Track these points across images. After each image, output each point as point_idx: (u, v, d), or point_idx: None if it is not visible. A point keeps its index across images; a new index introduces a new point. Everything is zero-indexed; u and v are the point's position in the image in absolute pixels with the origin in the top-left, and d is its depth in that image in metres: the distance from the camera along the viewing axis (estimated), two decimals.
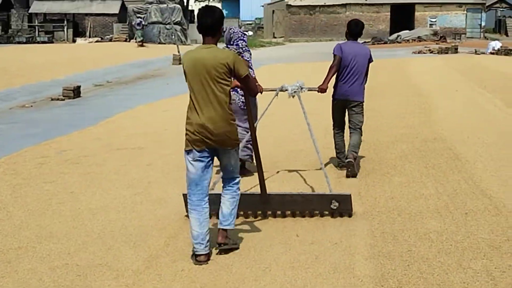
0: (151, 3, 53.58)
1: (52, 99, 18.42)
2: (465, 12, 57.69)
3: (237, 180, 5.97)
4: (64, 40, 54.80)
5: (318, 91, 8.37)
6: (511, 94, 15.63)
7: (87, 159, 9.92)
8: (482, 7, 58.08)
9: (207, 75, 5.63)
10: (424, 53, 35.15)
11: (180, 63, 31.12)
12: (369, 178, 8.29)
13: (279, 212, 6.90)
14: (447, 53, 34.09)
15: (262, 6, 68.47)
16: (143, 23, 49.85)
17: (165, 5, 52.25)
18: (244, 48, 8.24)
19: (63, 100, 18.37)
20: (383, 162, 9.12)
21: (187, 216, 6.11)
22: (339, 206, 6.76)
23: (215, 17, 5.79)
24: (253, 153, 6.88)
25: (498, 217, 6.54)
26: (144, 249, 5.99)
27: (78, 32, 57.23)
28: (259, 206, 6.87)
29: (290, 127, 11.89)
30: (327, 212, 6.82)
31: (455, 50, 34.87)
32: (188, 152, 5.73)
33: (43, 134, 12.37)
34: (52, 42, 53.14)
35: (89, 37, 56.06)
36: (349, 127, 8.75)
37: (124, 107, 15.93)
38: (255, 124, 7.01)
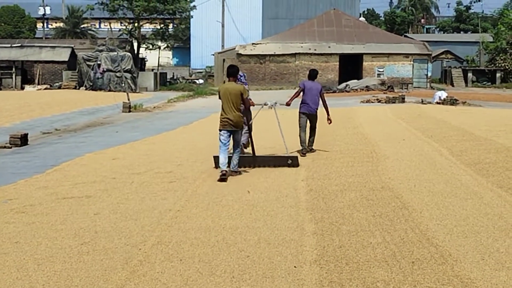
0: (101, 51, 53.56)
1: None
2: (411, 62, 59.00)
3: (239, 148, 12.39)
4: (12, 87, 54.28)
5: (285, 105, 14.67)
6: (457, 143, 15.92)
7: (33, 208, 9.75)
8: (428, 57, 59.47)
9: (230, 96, 12.01)
10: (372, 102, 35.69)
11: (129, 111, 31.42)
12: (318, 226, 8.32)
13: (261, 165, 13.06)
14: (394, 102, 34.67)
15: (213, 54, 69.00)
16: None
17: (115, 53, 52.33)
18: (245, 82, 13.53)
19: (10, 148, 18.08)
20: (332, 211, 9.17)
21: (215, 167, 12.58)
22: (291, 162, 12.96)
23: (234, 69, 12.42)
24: (248, 139, 13.52)
25: (444, 266, 6.61)
26: None
27: (27, 79, 56.78)
28: (251, 162, 13.15)
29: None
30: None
31: (402, 99, 35.47)
32: (220, 131, 12.16)
33: None
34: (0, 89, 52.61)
35: (38, 84, 55.67)
36: (310, 127, 15.19)
37: (72, 155, 15.74)
38: (250, 122, 13.28)
